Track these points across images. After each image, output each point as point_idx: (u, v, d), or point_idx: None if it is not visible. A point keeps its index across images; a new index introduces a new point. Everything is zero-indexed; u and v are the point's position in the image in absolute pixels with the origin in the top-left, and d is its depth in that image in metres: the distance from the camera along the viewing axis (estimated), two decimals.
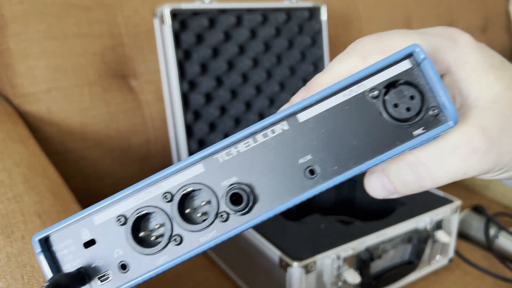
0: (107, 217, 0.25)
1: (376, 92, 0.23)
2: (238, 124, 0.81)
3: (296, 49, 0.84)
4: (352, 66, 0.25)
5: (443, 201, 0.70)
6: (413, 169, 0.25)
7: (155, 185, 0.24)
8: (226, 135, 0.79)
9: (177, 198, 0.24)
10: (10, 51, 0.68)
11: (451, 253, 0.73)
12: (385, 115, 0.23)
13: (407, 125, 0.23)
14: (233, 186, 0.24)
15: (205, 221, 0.24)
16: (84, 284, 0.25)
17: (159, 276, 0.25)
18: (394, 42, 0.25)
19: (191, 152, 0.75)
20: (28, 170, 0.52)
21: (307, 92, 0.27)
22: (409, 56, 0.23)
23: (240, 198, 0.23)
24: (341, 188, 0.80)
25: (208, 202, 0.24)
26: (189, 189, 0.24)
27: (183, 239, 0.24)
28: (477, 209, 0.85)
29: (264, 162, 0.24)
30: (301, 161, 0.23)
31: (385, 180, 0.27)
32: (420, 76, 0.23)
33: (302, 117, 0.23)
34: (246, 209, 0.23)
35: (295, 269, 0.54)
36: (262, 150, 0.24)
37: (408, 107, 0.22)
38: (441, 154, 0.24)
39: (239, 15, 0.77)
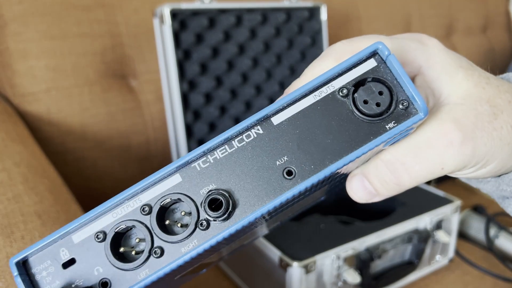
0: (86, 234, 0.24)
1: (345, 91, 0.24)
2: None
3: (296, 49, 0.84)
4: (326, 69, 0.26)
5: (443, 201, 0.70)
6: (390, 167, 0.25)
7: (133, 199, 0.24)
8: None
9: (155, 210, 0.24)
10: (10, 51, 0.68)
11: (451, 253, 0.73)
12: (356, 112, 0.24)
13: (379, 120, 0.23)
14: (211, 192, 0.24)
15: (186, 231, 0.24)
16: None
17: None
18: (365, 44, 0.26)
19: None
20: (28, 170, 0.52)
21: None
22: (374, 54, 0.24)
23: (220, 205, 0.23)
24: (341, 188, 0.79)
25: (189, 213, 0.24)
26: (167, 200, 0.24)
27: (164, 251, 0.24)
28: (477, 209, 0.85)
29: (241, 167, 0.24)
30: (278, 163, 0.24)
31: (365, 182, 0.27)
32: (386, 72, 0.24)
33: (276, 120, 0.24)
34: (226, 215, 0.23)
35: (295, 269, 0.54)
36: (238, 156, 0.24)
37: (377, 102, 0.23)
38: (416, 149, 0.25)
39: (239, 15, 0.77)
